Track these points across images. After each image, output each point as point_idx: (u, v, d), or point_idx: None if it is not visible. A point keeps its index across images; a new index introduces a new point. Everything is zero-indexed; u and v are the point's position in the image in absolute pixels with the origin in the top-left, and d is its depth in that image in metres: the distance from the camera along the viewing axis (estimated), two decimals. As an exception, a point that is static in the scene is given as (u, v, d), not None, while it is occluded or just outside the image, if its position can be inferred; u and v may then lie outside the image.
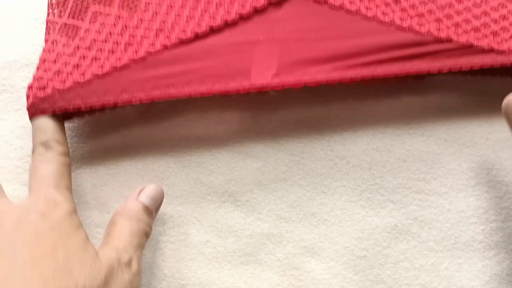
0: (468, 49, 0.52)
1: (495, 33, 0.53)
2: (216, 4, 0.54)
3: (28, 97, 0.51)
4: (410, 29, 0.52)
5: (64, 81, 0.51)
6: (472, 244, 0.53)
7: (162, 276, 0.52)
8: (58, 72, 0.51)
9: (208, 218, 0.53)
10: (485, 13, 0.53)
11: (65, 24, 0.53)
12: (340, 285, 0.52)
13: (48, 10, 0.54)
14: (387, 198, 0.53)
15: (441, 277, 0.52)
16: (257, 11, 0.54)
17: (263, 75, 0.52)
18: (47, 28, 0.53)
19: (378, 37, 0.53)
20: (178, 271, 0.52)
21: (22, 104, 0.55)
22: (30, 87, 0.51)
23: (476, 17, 0.53)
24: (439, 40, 0.52)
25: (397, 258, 0.53)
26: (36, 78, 0.51)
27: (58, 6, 0.54)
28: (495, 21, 0.53)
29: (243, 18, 0.54)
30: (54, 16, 0.54)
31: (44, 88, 0.50)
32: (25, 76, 0.56)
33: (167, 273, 0.52)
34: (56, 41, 0.53)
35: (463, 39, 0.52)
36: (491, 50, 0.51)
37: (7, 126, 0.55)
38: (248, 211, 0.53)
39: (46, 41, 0.53)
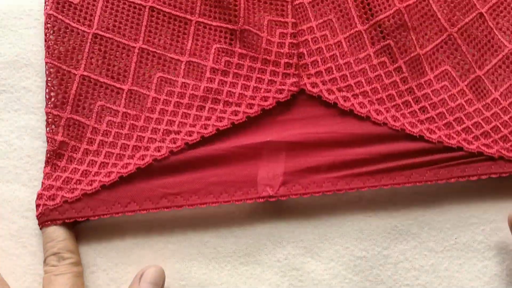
0: (477, 157, 0.51)
1: (505, 139, 0.52)
2: (223, 103, 0.53)
3: (37, 206, 0.51)
4: (420, 136, 0.52)
5: (73, 191, 0.51)
6: (472, 245, 0.53)
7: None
8: (67, 181, 0.51)
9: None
10: (496, 116, 0.53)
11: (70, 119, 0.52)
12: (340, 286, 0.52)
13: (47, 100, 0.52)
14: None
15: (441, 277, 0.52)
16: (265, 112, 0.53)
17: (270, 183, 0.51)
18: (47, 121, 0.52)
19: (387, 144, 0.52)
20: (178, 272, 0.53)
21: (22, 104, 0.55)
22: (39, 196, 0.51)
23: (487, 120, 0.52)
24: (448, 149, 0.51)
25: (397, 258, 0.53)
26: (46, 187, 0.51)
27: (57, 96, 0.52)
28: (505, 125, 0.52)
29: (250, 119, 0.53)
30: (54, 107, 0.52)
31: (53, 198, 0.51)
32: (25, 76, 0.56)
33: (168, 274, 0.52)
34: (63, 143, 0.51)
35: (473, 146, 0.51)
36: (500, 158, 0.51)
37: (7, 126, 0.55)
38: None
39: (48, 139, 0.52)
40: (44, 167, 0.52)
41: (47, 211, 0.50)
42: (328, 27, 0.54)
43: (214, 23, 0.54)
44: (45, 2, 0.53)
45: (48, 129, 0.51)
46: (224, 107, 0.53)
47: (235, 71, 0.53)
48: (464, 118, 0.52)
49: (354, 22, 0.54)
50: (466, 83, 0.53)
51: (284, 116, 0.53)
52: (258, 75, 0.53)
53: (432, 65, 0.53)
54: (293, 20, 0.54)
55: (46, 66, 0.52)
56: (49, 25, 0.53)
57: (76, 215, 0.50)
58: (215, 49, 0.53)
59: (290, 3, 0.54)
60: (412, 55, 0.53)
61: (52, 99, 0.52)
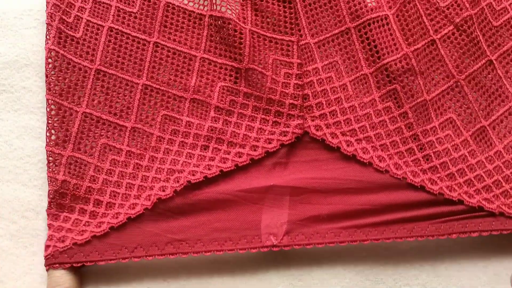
0: (478, 212, 0.51)
1: (506, 194, 0.52)
2: (227, 144, 0.52)
3: (47, 247, 0.50)
4: (421, 186, 0.51)
5: (82, 233, 0.50)
6: (472, 245, 0.53)
7: (163, 276, 0.53)
8: (76, 223, 0.51)
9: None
10: (498, 169, 0.52)
11: (71, 157, 0.51)
12: (341, 285, 0.52)
13: (47, 138, 0.51)
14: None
15: (441, 277, 0.52)
16: (269, 153, 0.53)
17: (274, 232, 0.51)
18: (48, 159, 0.51)
19: (389, 193, 0.52)
20: (177, 272, 0.53)
21: (22, 104, 0.55)
22: (50, 238, 0.50)
23: (489, 173, 0.52)
24: (450, 202, 0.51)
25: (397, 259, 0.53)
26: (56, 228, 0.50)
27: (58, 134, 0.51)
28: (507, 179, 0.52)
29: (254, 161, 0.52)
30: (55, 145, 0.51)
31: (63, 240, 0.50)
32: (25, 76, 0.55)
33: (168, 274, 0.53)
34: (65, 182, 0.50)
35: (474, 200, 0.51)
36: (501, 214, 0.51)
37: (7, 126, 0.55)
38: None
39: (49, 179, 0.50)
40: (48, 209, 0.51)
41: (56, 253, 0.50)
42: (334, 69, 0.53)
43: (219, 60, 0.53)
44: (46, 36, 0.52)
45: (49, 168, 0.50)
46: (228, 148, 0.52)
47: (240, 111, 0.52)
48: (466, 169, 0.52)
49: (360, 64, 0.53)
50: (470, 133, 0.53)
51: (288, 159, 0.52)
52: (263, 116, 0.52)
53: (437, 111, 0.53)
54: (299, 61, 0.53)
55: (47, 103, 0.51)
56: (50, 60, 0.52)
57: (84, 259, 0.50)
58: (220, 87, 0.53)
59: (296, 43, 0.53)
60: (418, 100, 0.52)
61: (53, 137, 0.51)
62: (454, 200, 0.51)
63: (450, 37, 0.54)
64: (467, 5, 0.54)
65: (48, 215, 0.51)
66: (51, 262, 0.50)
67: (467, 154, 0.52)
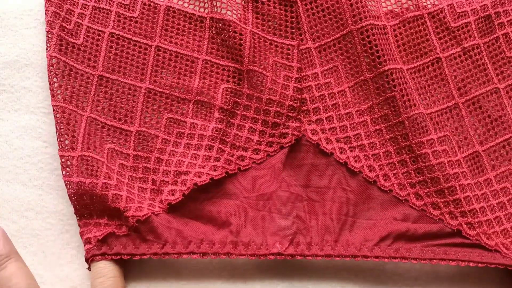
0: (456, 237, 0.50)
1: (489, 223, 0.51)
2: (230, 146, 0.52)
3: (87, 239, 0.50)
4: (406, 200, 0.51)
5: (120, 227, 0.50)
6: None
7: (163, 276, 0.53)
8: (108, 217, 0.51)
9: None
10: (485, 197, 0.51)
11: (81, 157, 0.50)
12: (341, 285, 0.52)
13: (59, 144, 0.51)
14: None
15: (441, 278, 0.52)
16: (270, 157, 0.53)
17: (280, 239, 0.51)
18: (62, 165, 0.50)
19: (388, 216, 0.52)
20: (178, 272, 0.53)
21: (22, 104, 0.55)
22: (88, 231, 0.50)
23: (476, 198, 0.51)
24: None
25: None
26: (92, 224, 0.51)
27: (67, 137, 0.51)
28: (492, 209, 0.51)
29: (256, 164, 0.53)
30: (65, 148, 0.50)
31: (102, 233, 0.50)
32: (25, 76, 0.56)
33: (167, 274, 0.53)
34: (80, 183, 0.50)
35: (454, 222, 0.51)
36: (497, 251, 0.50)
37: (7, 126, 0.55)
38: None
39: (66, 183, 0.50)
40: (75, 211, 0.51)
41: (98, 245, 0.50)
42: (334, 74, 0.53)
43: (221, 62, 0.53)
44: (46, 44, 0.52)
45: (64, 172, 0.50)
46: (231, 150, 0.53)
47: (243, 112, 0.53)
48: (458, 188, 0.51)
49: (361, 69, 0.53)
50: (463, 155, 0.52)
51: (287, 161, 0.53)
52: (264, 117, 0.53)
53: (436, 126, 0.52)
54: (298, 65, 0.53)
55: (53, 109, 0.51)
56: (52, 68, 0.52)
57: (124, 251, 0.50)
58: (223, 88, 0.53)
59: (296, 47, 0.53)
60: (416, 111, 0.51)
61: (63, 141, 0.51)
62: (435, 219, 0.51)
63: (456, 58, 0.53)
64: (476, 34, 0.53)
65: (77, 216, 0.51)
66: (94, 253, 0.50)
67: (459, 173, 0.51)
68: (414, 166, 0.51)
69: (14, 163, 0.55)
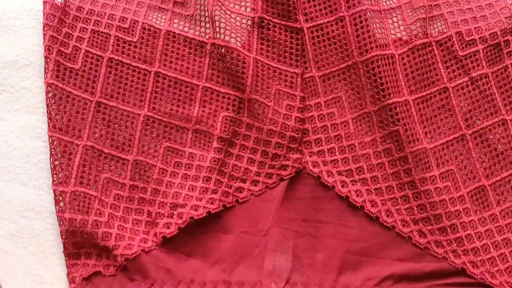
0: (460, 277, 0.50)
1: (492, 261, 0.50)
2: (228, 177, 0.51)
3: (73, 278, 0.50)
4: (409, 237, 0.50)
5: (106, 267, 0.50)
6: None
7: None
8: (95, 257, 0.50)
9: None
10: (489, 233, 0.50)
11: (74, 192, 0.50)
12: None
13: (52, 177, 0.50)
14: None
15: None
16: (269, 189, 0.52)
17: (275, 279, 0.50)
18: (55, 199, 0.50)
19: (379, 244, 0.51)
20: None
21: (22, 104, 0.55)
22: (75, 271, 0.50)
23: (479, 235, 0.50)
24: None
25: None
26: (79, 264, 0.50)
27: (61, 170, 0.50)
28: (496, 246, 0.50)
29: (254, 196, 0.52)
30: (59, 183, 0.50)
31: (87, 271, 0.50)
32: (25, 76, 0.55)
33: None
34: (72, 220, 0.50)
35: (459, 261, 0.50)
36: (481, 284, 0.49)
37: (6, 126, 0.55)
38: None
39: (58, 218, 0.50)
40: (64, 250, 0.51)
41: (82, 285, 0.50)
42: (337, 105, 0.52)
43: (222, 89, 0.52)
44: (44, 69, 0.51)
45: (57, 207, 0.50)
46: (229, 181, 0.52)
47: (242, 142, 0.52)
48: (459, 226, 0.50)
49: (365, 101, 0.52)
50: (468, 190, 0.51)
51: (286, 194, 0.52)
52: (264, 148, 0.52)
53: (439, 161, 0.51)
54: (302, 94, 0.52)
55: (50, 140, 0.51)
56: (50, 95, 0.51)
57: None
58: (222, 117, 0.52)
59: (300, 75, 0.52)
60: (419, 147, 0.50)
61: (56, 175, 0.50)
62: (438, 257, 0.50)
63: (464, 88, 0.52)
64: (484, 63, 0.52)
65: (65, 255, 0.51)
66: None
67: (461, 211, 0.51)
68: (417, 202, 0.51)
69: (14, 163, 0.54)
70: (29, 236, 0.54)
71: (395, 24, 0.53)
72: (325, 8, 0.52)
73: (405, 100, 0.51)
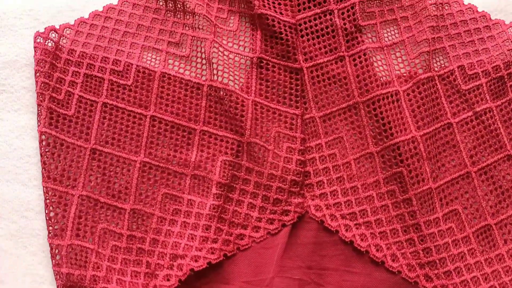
0: None
1: None
2: (229, 224, 0.50)
3: None
4: (415, 283, 0.49)
5: None
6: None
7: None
8: None
9: None
10: (496, 275, 0.49)
11: (70, 246, 0.48)
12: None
13: (48, 230, 0.49)
14: None
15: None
16: (270, 235, 0.50)
17: None
18: (51, 253, 0.48)
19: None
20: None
21: (22, 104, 0.54)
22: None
23: (485, 277, 0.49)
24: None
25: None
26: None
27: (57, 223, 0.49)
28: (503, 287, 0.49)
29: (256, 243, 0.50)
30: (54, 235, 0.48)
31: None
32: (25, 76, 0.55)
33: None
34: (69, 275, 0.48)
35: None
36: None
37: (6, 126, 0.54)
38: None
39: (55, 272, 0.48)
40: None
41: None
42: (338, 146, 0.51)
43: (220, 133, 0.51)
44: (37, 117, 0.50)
45: (53, 261, 0.49)
46: (229, 229, 0.50)
47: (242, 187, 0.50)
48: (464, 269, 0.49)
49: (367, 142, 0.50)
50: (473, 229, 0.50)
51: (289, 240, 0.50)
52: (264, 193, 0.50)
53: (443, 201, 0.50)
54: (302, 136, 0.51)
55: (44, 190, 0.49)
56: (44, 143, 0.49)
57: None
58: (221, 161, 0.50)
59: (300, 116, 0.51)
60: (424, 187, 0.49)
61: (52, 227, 0.49)
62: None
63: (468, 123, 0.51)
64: (488, 97, 0.51)
65: None
66: None
67: (466, 252, 0.49)
68: (423, 246, 0.49)
69: (14, 163, 0.54)
70: (29, 236, 0.53)
71: (399, 60, 0.52)
72: (324, 47, 0.51)
73: (413, 137, 0.49)
